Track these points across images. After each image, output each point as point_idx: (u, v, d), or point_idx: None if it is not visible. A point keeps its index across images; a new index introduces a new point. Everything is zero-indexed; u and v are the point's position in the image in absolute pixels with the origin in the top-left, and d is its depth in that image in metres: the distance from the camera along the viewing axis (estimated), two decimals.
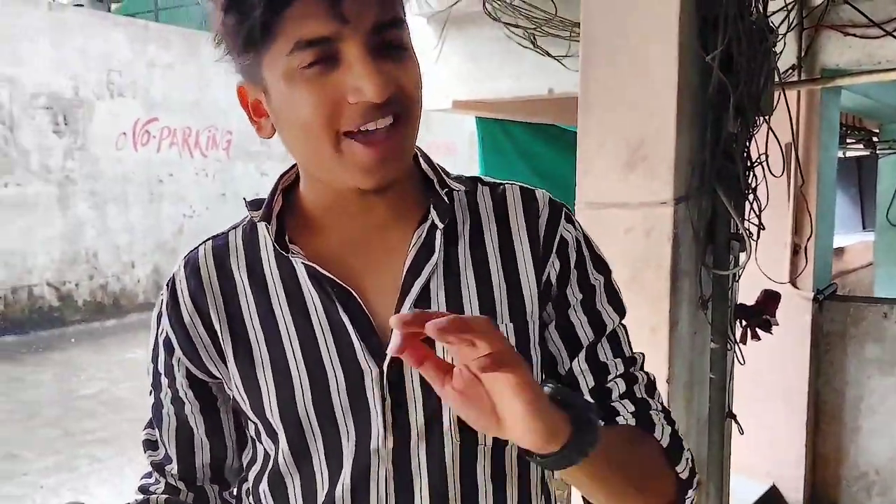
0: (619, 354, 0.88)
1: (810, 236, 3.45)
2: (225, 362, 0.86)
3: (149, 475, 0.95)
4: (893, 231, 7.18)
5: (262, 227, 0.88)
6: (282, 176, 0.91)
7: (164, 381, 0.90)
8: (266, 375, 0.84)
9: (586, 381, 0.86)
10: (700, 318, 2.26)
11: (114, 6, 14.25)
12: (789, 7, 2.74)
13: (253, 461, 0.91)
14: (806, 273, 3.61)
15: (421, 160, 0.89)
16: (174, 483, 0.92)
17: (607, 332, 0.88)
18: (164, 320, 0.89)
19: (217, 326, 0.86)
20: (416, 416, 0.82)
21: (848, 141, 6.34)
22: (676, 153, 2.10)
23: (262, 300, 0.86)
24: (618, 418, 0.84)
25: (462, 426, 0.81)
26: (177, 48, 9.91)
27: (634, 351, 0.91)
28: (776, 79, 2.36)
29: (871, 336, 3.66)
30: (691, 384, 2.28)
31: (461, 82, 4.36)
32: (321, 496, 0.84)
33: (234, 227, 0.92)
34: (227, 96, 10.40)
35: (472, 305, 0.84)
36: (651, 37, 2.06)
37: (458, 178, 0.91)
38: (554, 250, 0.88)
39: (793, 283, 3.59)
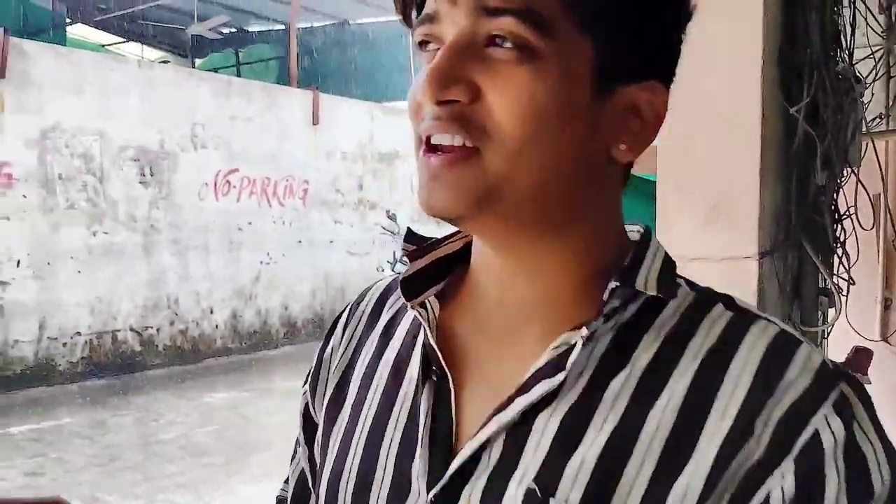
0: None
1: None
2: (321, 411, 0.74)
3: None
4: None
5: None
6: None
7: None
8: (335, 443, 0.70)
9: None
10: None
11: (198, 62, 14.90)
12: (876, 55, 2.67)
13: None
14: None
15: (635, 246, 0.63)
16: None
17: None
18: (317, 351, 0.79)
19: (334, 364, 0.74)
20: None
21: None
22: (761, 206, 2.05)
23: (378, 352, 0.71)
24: None
25: None
26: (257, 102, 10.27)
27: None
28: (864, 129, 2.29)
29: None
30: None
31: None
32: None
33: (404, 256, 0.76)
34: (304, 147, 10.72)
35: (582, 467, 0.55)
36: (733, 88, 2.03)
37: (683, 286, 0.63)
38: (793, 456, 0.52)
39: (885, 339, 3.43)
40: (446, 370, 0.62)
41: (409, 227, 0.71)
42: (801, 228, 2.12)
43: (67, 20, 12.81)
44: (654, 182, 2.28)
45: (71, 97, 8.38)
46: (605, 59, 0.57)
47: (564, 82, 0.55)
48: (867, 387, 2.08)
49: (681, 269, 2.18)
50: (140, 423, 6.90)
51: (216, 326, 9.96)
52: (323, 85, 11.58)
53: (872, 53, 2.68)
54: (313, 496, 0.75)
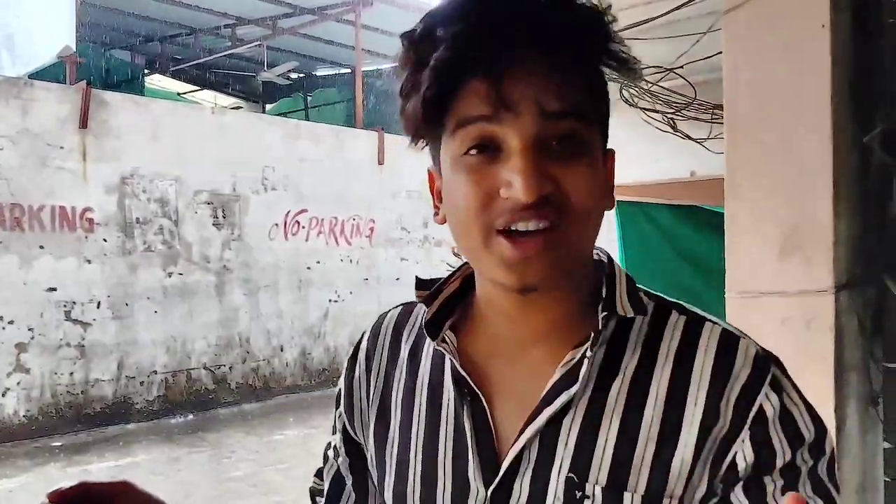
0: None
1: None
2: (368, 428, 0.88)
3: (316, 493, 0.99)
4: None
5: (420, 307, 0.85)
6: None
7: (334, 427, 0.94)
8: (392, 459, 0.84)
9: None
10: (871, 415, 2.08)
11: (268, 107, 15.35)
12: None
13: None
14: None
15: (605, 270, 0.79)
16: None
17: None
18: (343, 375, 0.92)
19: (371, 392, 0.88)
20: None
21: None
22: (835, 238, 1.99)
23: (410, 382, 0.85)
24: None
25: None
26: (325, 143, 10.50)
27: None
28: None
29: None
30: (863, 489, 2.08)
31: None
32: None
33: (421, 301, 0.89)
34: (370, 187, 10.89)
35: (603, 457, 0.72)
36: (801, 118, 1.99)
37: (645, 301, 0.78)
38: (747, 426, 0.70)
39: None
40: (478, 392, 0.77)
41: (416, 277, 0.85)
42: (881, 260, 2.05)
43: (146, 71, 13.40)
44: (722, 214, 2.23)
45: (148, 144, 8.73)
46: (604, 140, 0.75)
47: (599, 163, 0.72)
48: None
49: (752, 304, 2.12)
50: (213, 460, 7.01)
51: (286, 364, 10.11)
52: (388, 126, 11.78)
53: None
54: (347, 494, 0.92)
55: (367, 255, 10.97)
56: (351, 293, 10.70)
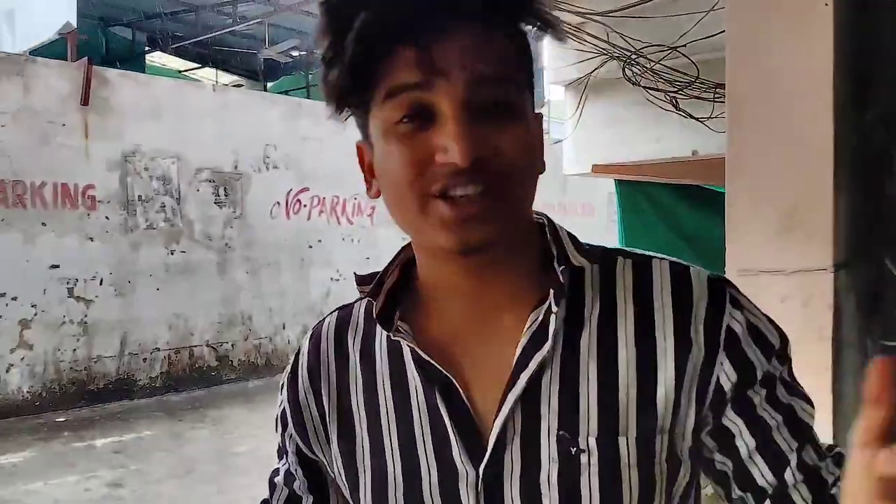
0: (824, 456, 0.72)
1: None
2: (329, 444, 0.83)
3: None
4: None
5: (367, 303, 0.82)
6: (404, 248, 0.83)
7: (282, 452, 0.89)
8: (364, 461, 0.80)
9: (803, 495, 0.71)
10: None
11: (269, 85, 15.29)
12: None
13: None
14: None
15: (547, 231, 0.78)
16: None
17: (807, 434, 0.73)
18: (284, 394, 0.87)
19: (326, 406, 0.83)
20: None
21: None
22: (835, 217, 2.00)
23: (369, 379, 0.81)
24: None
25: None
26: (326, 122, 10.44)
27: (830, 448, 0.75)
28: None
29: None
30: None
31: (600, 147, 4.35)
32: None
33: (362, 298, 0.86)
34: None
35: (589, 409, 0.72)
36: (803, 97, 1.99)
37: (593, 251, 0.78)
38: (722, 347, 0.72)
39: None
40: (446, 373, 0.74)
41: (355, 273, 0.83)
42: (880, 239, 2.06)
43: (146, 48, 13.33)
44: (723, 193, 2.24)
45: (150, 122, 8.73)
46: (533, 102, 0.73)
47: (531, 125, 0.71)
48: None
49: (751, 282, 2.14)
50: (215, 436, 7.08)
51: (288, 342, 10.16)
52: None
53: None
54: None
55: (368, 234, 10.99)
56: (352, 272, 10.73)
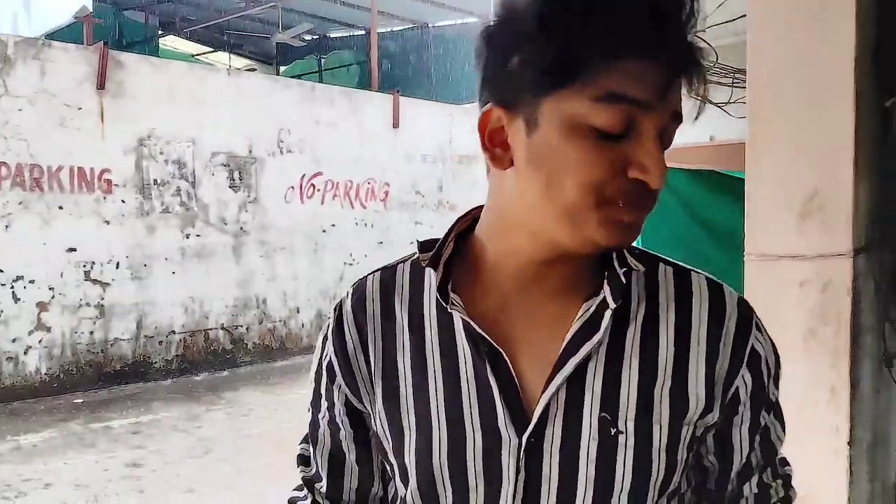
0: (779, 476, 0.90)
1: None
2: (373, 397, 0.87)
3: (299, 488, 0.97)
4: None
5: (428, 272, 0.86)
6: (458, 220, 0.89)
7: (324, 403, 0.91)
8: (409, 420, 0.83)
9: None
10: (884, 376, 2.12)
11: (282, 69, 15.29)
12: None
13: (395, 499, 0.90)
14: None
15: None
16: (321, 501, 0.94)
17: (777, 455, 0.89)
18: (329, 345, 0.90)
19: (372, 360, 0.87)
20: (549, 494, 0.78)
21: None
22: (855, 202, 2.00)
23: (416, 344, 0.85)
24: None
25: None
26: (339, 106, 10.49)
27: (783, 463, 0.91)
28: None
29: None
30: (875, 446, 2.13)
31: None
32: None
33: (404, 261, 0.91)
34: (385, 150, 10.89)
35: (629, 396, 0.79)
36: (824, 82, 2.00)
37: (641, 256, 0.85)
38: (745, 363, 0.83)
39: None
40: (498, 348, 0.80)
41: (417, 241, 0.88)
42: None
43: (160, 32, 13.36)
44: (741, 179, 2.25)
45: (164, 105, 8.75)
46: None
47: None
48: None
49: (771, 266, 2.16)
50: (231, 418, 7.14)
51: (302, 325, 10.22)
52: (403, 88, 11.73)
53: None
54: (377, 469, 0.92)
55: (381, 219, 11.01)
56: (366, 256, 10.76)
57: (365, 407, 0.88)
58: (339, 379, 0.89)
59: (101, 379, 8.35)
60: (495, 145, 0.78)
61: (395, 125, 11.04)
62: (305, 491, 0.96)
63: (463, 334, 0.82)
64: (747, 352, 0.83)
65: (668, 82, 0.70)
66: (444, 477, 0.81)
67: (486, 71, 0.77)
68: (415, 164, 11.34)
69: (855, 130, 1.95)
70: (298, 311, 10.21)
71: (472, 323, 0.80)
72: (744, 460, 0.87)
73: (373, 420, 0.88)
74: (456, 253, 0.87)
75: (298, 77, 13.17)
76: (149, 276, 8.73)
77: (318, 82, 12.70)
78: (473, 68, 0.80)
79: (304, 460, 0.97)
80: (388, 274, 0.90)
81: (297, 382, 8.36)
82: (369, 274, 0.92)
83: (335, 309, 0.91)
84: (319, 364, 0.92)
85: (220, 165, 9.31)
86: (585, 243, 0.75)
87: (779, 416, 0.89)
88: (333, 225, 10.49)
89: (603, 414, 0.78)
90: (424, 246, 0.87)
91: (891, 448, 2.15)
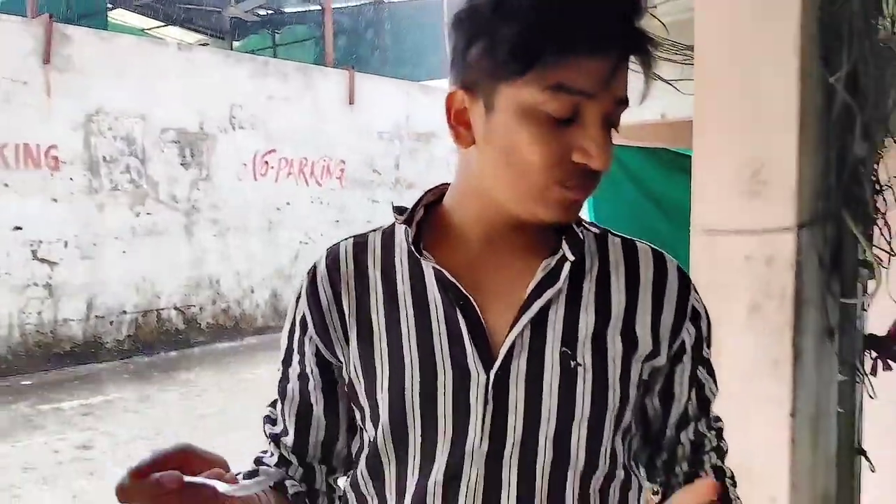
0: (712, 428, 1.00)
1: None
2: (348, 344, 0.92)
3: (265, 451, 1.01)
4: None
5: (400, 230, 0.94)
6: (426, 192, 0.96)
7: (296, 357, 0.96)
8: (382, 360, 0.89)
9: (685, 451, 0.97)
10: (826, 349, 2.16)
11: (236, 44, 15.02)
12: None
13: (360, 451, 0.94)
14: None
15: None
16: (287, 455, 0.98)
17: (710, 408, 0.99)
18: (303, 301, 0.96)
19: (347, 311, 0.92)
20: (515, 426, 0.85)
21: None
22: (799, 177, 2.03)
23: (389, 293, 0.92)
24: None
25: (556, 445, 0.85)
26: (293, 82, 10.35)
27: (716, 419, 1.01)
28: None
29: None
30: (817, 418, 2.18)
31: None
32: (411, 486, 0.87)
33: (375, 231, 0.98)
34: (341, 127, 10.79)
35: (586, 338, 0.88)
36: (770, 58, 2.01)
37: (591, 226, 0.95)
38: (688, 318, 0.94)
39: None
40: (467, 294, 0.88)
41: (393, 204, 0.97)
42: (840, 200, 2.10)
43: (108, 5, 12.99)
44: (690, 156, 2.27)
45: (113, 81, 8.53)
46: None
47: None
48: None
49: (716, 241, 2.18)
50: (184, 398, 7.06)
51: (257, 305, 10.13)
52: (359, 65, 11.61)
53: None
54: (343, 422, 0.97)
55: (337, 197, 10.93)
56: (322, 235, 10.68)
57: (338, 359, 0.93)
58: (312, 330, 0.94)
59: (51, 360, 8.18)
60: (459, 124, 0.86)
61: (351, 102, 10.93)
62: (272, 447, 1.00)
63: (434, 284, 0.89)
64: (689, 308, 0.94)
65: (614, 73, 0.78)
66: (414, 411, 0.86)
67: (453, 55, 0.85)
68: (371, 142, 11.26)
69: (799, 106, 1.97)
70: (253, 291, 10.10)
71: (443, 271, 0.88)
72: (682, 409, 0.96)
73: (345, 367, 0.93)
74: (425, 220, 0.94)
75: (252, 52, 12.95)
76: (98, 255, 8.55)
77: (273, 57, 12.49)
78: (435, 47, 0.85)
79: (270, 420, 1.01)
80: (360, 239, 0.97)
81: (251, 362, 8.30)
82: (341, 241, 0.98)
83: (309, 272, 0.97)
84: (292, 322, 0.97)
85: (171, 142, 9.12)
86: (533, 217, 0.84)
87: (711, 374, 0.99)
88: (288, 203, 10.37)
89: (563, 349, 0.87)
90: (398, 210, 0.94)
91: (832, 419, 2.20)
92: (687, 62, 3.35)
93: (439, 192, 0.97)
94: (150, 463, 0.68)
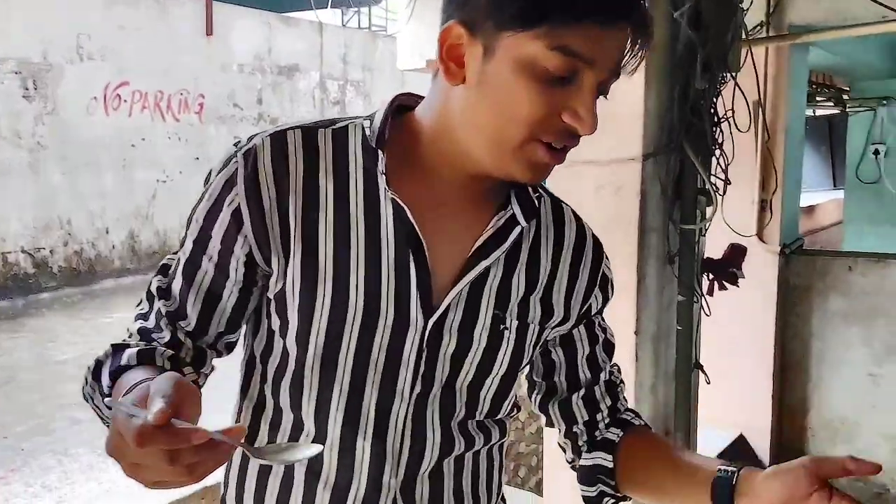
0: (619, 374, 1.10)
1: (775, 190, 3.51)
2: (287, 258, 0.87)
3: (143, 317, 0.91)
4: (862, 188, 7.29)
5: (354, 136, 0.90)
6: (390, 104, 0.91)
7: (215, 246, 0.88)
8: (325, 288, 0.87)
9: (606, 404, 1.06)
10: (667, 272, 2.31)
11: None
12: None
13: (268, 353, 0.92)
14: (773, 228, 3.68)
15: None
16: (181, 338, 0.90)
17: (612, 355, 1.09)
18: (239, 189, 0.86)
19: (292, 222, 0.86)
20: (442, 372, 0.92)
21: (818, 99, 6.39)
22: (645, 110, 2.14)
23: (341, 213, 0.87)
24: (635, 421, 1.07)
25: (469, 393, 0.94)
26: (146, 10, 9.74)
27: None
28: (744, 35, 2.39)
29: (836, 289, 3.76)
30: (658, 337, 2.34)
31: (435, 41, 4.32)
32: (339, 412, 0.90)
33: (320, 126, 0.91)
34: (198, 59, 10.29)
35: (514, 302, 0.94)
36: None
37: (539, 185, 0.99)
38: (598, 284, 1.02)
39: (760, 237, 3.66)
40: (423, 241, 0.88)
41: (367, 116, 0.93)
42: (682, 131, 2.23)
43: None
44: None
45: None
46: None
47: None
48: (742, 282, 2.27)
49: (570, 172, 2.26)
50: (36, 345, 6.72)
51: (112, 247, 9.66)
52: None
53: None
54: (245, 318, 0.94)
55: (196, 133, 10.49)
56: (180, 173, 10.26)
57: (269, 266, 0.88)
58: (248, 228, 0.86)
59: None
60: (451, 59, 0.83)
61: (209, 33, 10.42)
62: (164, 323, 0.90)
63: (390, 217, 0.88)
64: (599, 276, 1.02)
65: (618, 45, 0.80)
66: (349, 345, 0.88)
67: None
68: (231, 75, 10.83)
69: None
70: (108, 232, 9.61)
71: (406, 210, 0.87)
72: (589, 351, 1.05)
73: (276, 278, 0.88)
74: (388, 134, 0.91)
75: None
76: None
77: None
78: None
79: (164, 293, 0.91)
80: (310, 135, 0.89)
81: (108, 306, 7.97)
82: (287, 129, 0.90)
83: (246, 153, 0.86)
84: (219, 204, 0.87)
85: (11, 73, 8.43)
86: (500, 172, 0.86)
87: (608, 324, 1.10)
88: (143, 139, 9.87)
89: (496, 311, 0.93)
90: (368, 117, 0.92)
91: (672, 337, 2.37)
92: None
93: (398, 104, 0.92)
94: (169, 406, 0.59)
